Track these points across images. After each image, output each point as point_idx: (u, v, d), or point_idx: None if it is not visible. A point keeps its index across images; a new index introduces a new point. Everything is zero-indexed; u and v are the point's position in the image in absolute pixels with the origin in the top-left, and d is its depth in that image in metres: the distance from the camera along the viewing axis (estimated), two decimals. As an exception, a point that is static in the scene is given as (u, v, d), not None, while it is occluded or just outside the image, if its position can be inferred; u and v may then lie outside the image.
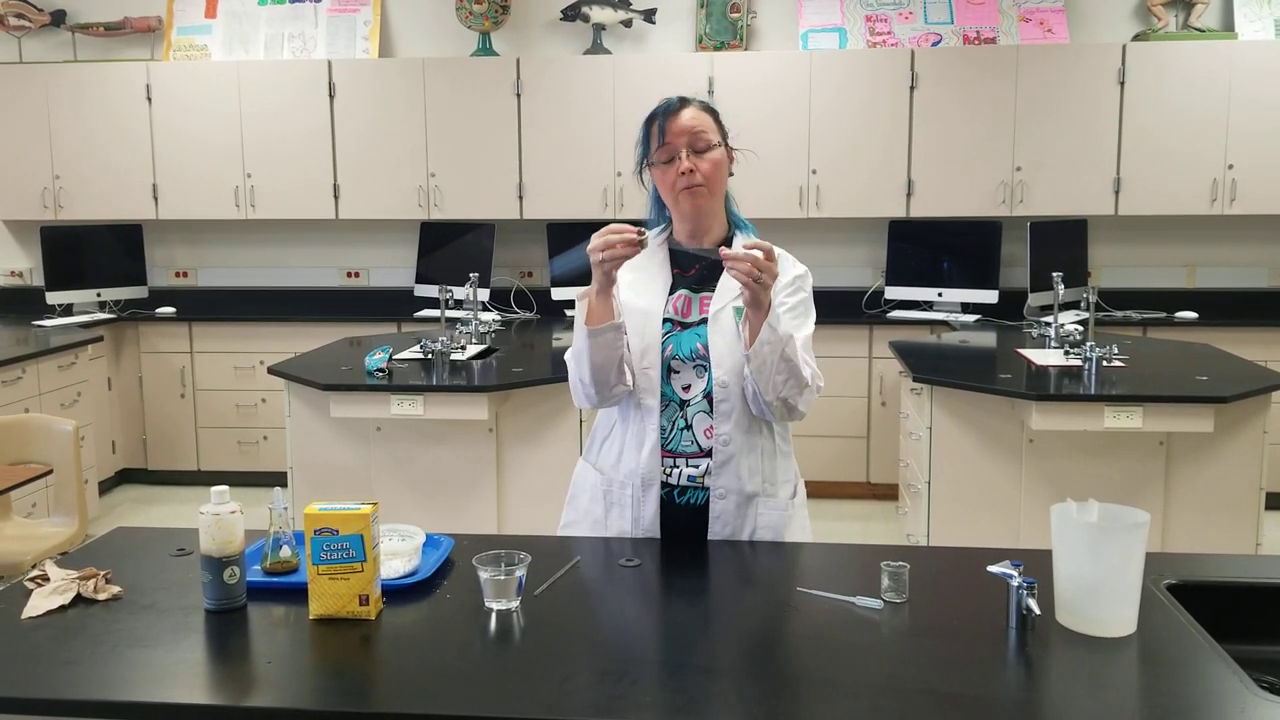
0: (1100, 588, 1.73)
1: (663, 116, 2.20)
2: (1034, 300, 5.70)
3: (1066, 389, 3.94)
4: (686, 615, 1.83)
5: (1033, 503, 4.05)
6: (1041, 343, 4.80)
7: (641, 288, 2.26)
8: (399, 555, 1.96)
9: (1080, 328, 4.92)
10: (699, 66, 5.85)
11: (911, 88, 5.73)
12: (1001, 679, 1.62)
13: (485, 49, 6.12)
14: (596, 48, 6.07)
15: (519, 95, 5.93)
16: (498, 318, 5.85)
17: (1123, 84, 5.61)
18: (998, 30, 5.83)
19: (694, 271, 2.27)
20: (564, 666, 1.63)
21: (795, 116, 5.81)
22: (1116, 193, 5.66)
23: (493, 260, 6.04)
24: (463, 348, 4.62)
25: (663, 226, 2.31)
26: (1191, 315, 5.64)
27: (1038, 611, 1.73)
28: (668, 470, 2.22)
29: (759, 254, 1.99)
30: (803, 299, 2.29)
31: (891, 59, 5.75)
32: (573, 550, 2.14)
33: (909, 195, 5.80)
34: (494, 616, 1.82)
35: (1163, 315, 5.67)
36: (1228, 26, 5.81)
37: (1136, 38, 5.83)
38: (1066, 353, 4.42)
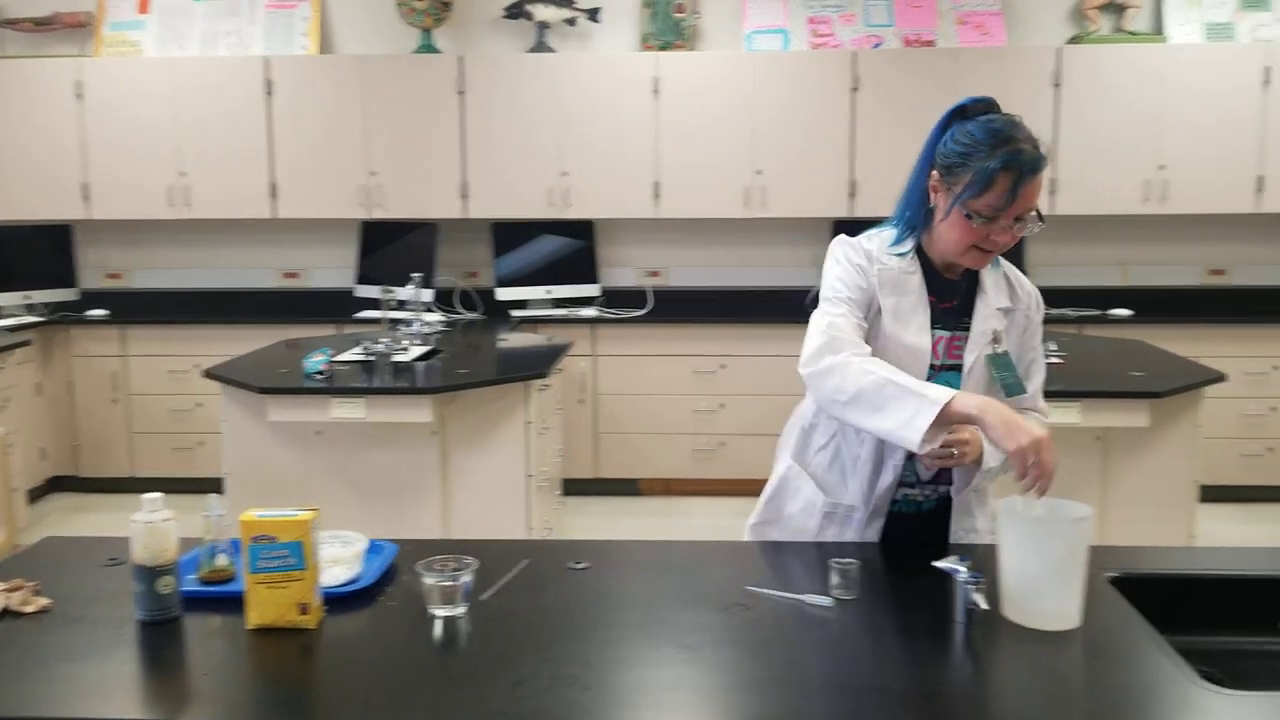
0: (1045, 582, 1.75)
1: (1025, 179, 1.89)
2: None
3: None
4: (638, 616, 1.81)
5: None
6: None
7: (905, 317, 2.06)
8: (340, 562, 1.92)
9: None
10: (644, 66, 5.84)
11: (854, 89, 5.76)
12: (949, 675, 1.63)
13: (427, 46, 6.06)
14: (540, 46, 6.03)
15: (462, 93, 5.88)
16: (442, 319, 5.79)
17: (1058, 86, 5.70)
18: (936, 33, 5.89)
19: (952, 304, 2.10)
20: (514, 672, 1.60)
21: (740, 117, 5.82)
22: (1052, 193, 5.75)
23: (436, 260, 5.98)
24: (406, 349, 4.57)
25: (912, 240, 2.09)
26: (1126, 312, 5.73)
27: (984, 606, 1.74)
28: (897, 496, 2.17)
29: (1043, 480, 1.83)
30: (1039, 339, 2.18)
31: (834, 60, 5.78)
32: (520, 554, 2.11)
33: (852, 196, 5.84)
34: (439, 623, 1.79)
35: (1098, 313, 5.77)
36: (1158, 30, 5.93)
37: (1071, 41, 5.92)
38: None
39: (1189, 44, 5.76)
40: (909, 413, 1.85)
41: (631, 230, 6.27)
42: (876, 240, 2.12)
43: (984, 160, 1.90)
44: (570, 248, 6.12)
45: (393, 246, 6.09)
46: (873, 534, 2.17)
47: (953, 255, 2.02)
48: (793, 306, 6.03)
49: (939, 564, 1.80)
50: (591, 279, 6.16)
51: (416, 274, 4.98)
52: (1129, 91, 5.68)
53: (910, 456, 2.09)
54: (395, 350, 4.48)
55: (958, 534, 2.19)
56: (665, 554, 2.14)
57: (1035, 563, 1.75)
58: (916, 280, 2.06)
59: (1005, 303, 2.10)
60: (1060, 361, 4.28)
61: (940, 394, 1.86)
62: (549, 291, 6.09)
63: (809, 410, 2.26)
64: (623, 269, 6.30)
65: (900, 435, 1.87)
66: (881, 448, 2.11)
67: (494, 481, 4.23)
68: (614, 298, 6.18)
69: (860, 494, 2.15)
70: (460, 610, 1.81)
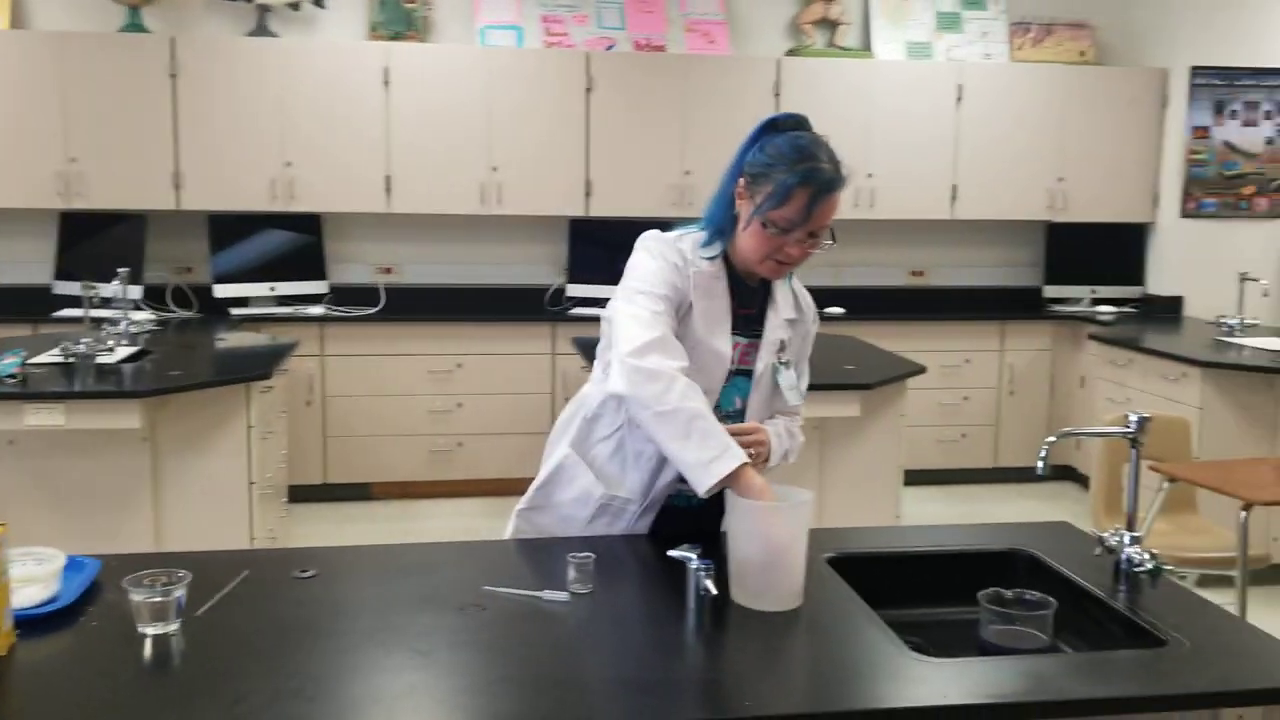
0: (770, 564, 1.82)
1: (822, 196, 1.95)
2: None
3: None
4: (368, 623, 1.75)
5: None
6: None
7: (713, 322, 2.08)
8: (34, 581, 1.75)
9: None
10: (374, 56, 5.68)
11: (588, 89, 5.84)
12: (681, 661, 1.67)
13: (135, 25, 5.64)
14: (261, 30, 5.75)
15: (174, 76, 5.51)
16: (152, 317, 5.40)
17: (778, 95, 5.99)
18: (666, 38, 6.06)
19: (750, 312, 2.14)
20: (233, 689, 1.51)
21: (476, 112, 5.77)
22: (774, 196, 6.04)
23: (145, 254, 5.57)
24: (111, 350, 4.23)
25: (720, 245, 2.10)
26: (839, 311, 6.11)
27: (714, 592, 1.79)
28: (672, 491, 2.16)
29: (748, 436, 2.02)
30: (810, 349, 2.29)
31: (569, 60, 5.84)
32: (240, 564, 1.99)
33: (588, 195, 5.91)
34: (149, 642, 1.66)
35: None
36: (866, 46, 6.35)
37: (789, 53, 6.25)
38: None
39: (893, 61, 6.20)
40: (711, 456, 1.88)
41: (362, 225, 6.09)
42: (688, 241, 2.13)
43: (785, 174, 1.95)
44: (296, 243, 5.87)
45: (96, 239, 5.62)
46: (643, 527, 2.19)
47: (751, 264, 2.07)
48: (530, 305, 6.05)
49: (673, 553, 1.84)
50: (319, 275, 5.93)
51: (123, 269, 4.63)
52: (840, 103, 6.04)
53: None
54: (99, 351, 4.15)
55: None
56: (397, 557, 2.09)
57: (760, 547, 1.82)
58: (723, 285, 2.10)
59: (791, 314, 2.19)
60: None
61: (741, 454, 1.90)
62: (272, 289, 5.81)
63: (593, 399, 2.21)
64: (353, 265, 6.10)
65: (694, 473, 1.90)
66: None
67: (212, 490, 3.99)
68: (344, 295, 5.97)
69: (639, 488, 2.16)
70: (173, 627, 1.69)
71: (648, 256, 2.10)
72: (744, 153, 2.06)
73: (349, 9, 5.95)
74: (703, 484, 1.89)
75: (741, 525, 1.84)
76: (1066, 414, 6.20)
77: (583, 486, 2.21)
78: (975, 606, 1.87)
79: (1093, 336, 5.59)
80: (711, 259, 2.10)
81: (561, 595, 1.86)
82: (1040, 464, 2.01)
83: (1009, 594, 1.85)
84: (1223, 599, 4.15)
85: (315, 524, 5.35)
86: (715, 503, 2.21)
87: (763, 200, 1.97)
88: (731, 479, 1.88)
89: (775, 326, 2.16)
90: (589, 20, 6.01)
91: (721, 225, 2.10)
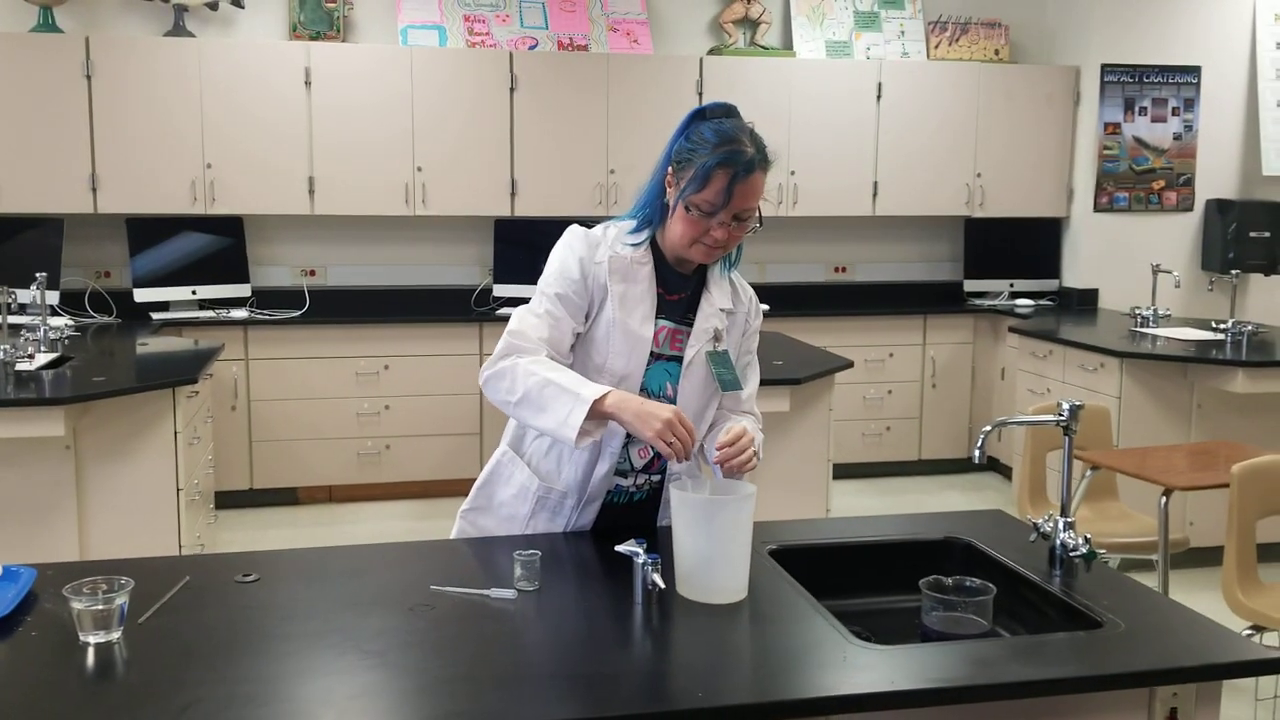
0: (714, 558, 1.85)
1: (740, 178, 1.97)
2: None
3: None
4: (315, 626, 1.74)
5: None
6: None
7: (631, 305, 2.10)
8: (-32, 593, 1.71)
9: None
10: (294, 56, 5.60)
11: (511, 89, 5.82)
12: (629, 655, 1.69)
13: (47, 24, 5.48)
14: (179, 30, 5.62)
15: (89, 77, 5.37)
16: (70, 323, 5.26)
17: (701, 94, 6.04)
18: (589, 38, 6.07)
19: (678, 299, 2.15)
20: (181, 696, 1.49)
21: (398, 113, 5.72)
22: (700, 195, 6.08)
23: (62, 259, 5.42)
24: (30, 356, 4.11)
25: (648, 233, 2.12)
26: (765, 307, 6.15)
27: (661, 585, 1.81)
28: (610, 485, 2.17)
29: (740, 449, 1.99)
30: (756, 344, 2.30)
31: (492, 60, 5.81)
32: (180, 571, 1.96)
33: (513, 195, 5.90)
34: (92, 651, 1.63)
35: (743, 308, 6.17)
36: (787, 45, 6.43)
37: (711, 52, 6.30)
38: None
39: (813, 60, 6.29)
40: (565, 410, 1.94)
41: (285, 227, 5.99)
42: (614, 229, 2.16)
43: (705, 157, 1.98)
44: (217, 245, 5.76)
45: (11, 243, 5.45)
46: (585, 523, 2.20)
47: (680, 249, 2.08)
48: (458, 306, 6.02)
49: (620, 548, 1.86)
50: (242, 278, 5.83)
51: (40, 274, 4.50)
52: (762, 101, 6.10)
53: (625, 445, 2.15)
54: (18, 358, 4.04)
55: (666, 520, 2.26)
56: (342, 560, 2.07)
57: (704, 541, 1.85)
58: (647, 271, 2.11)
59: (727, 304, 2.19)
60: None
61: (591, 391, 1.95)
62: (194, 292, 5.69)
63: None
64: (277, 268, 6.01)
65: (560, 433, 1.96)
66: (604, 444, 2.14)
67: (139, 498, 3.91)
68: (267, 298, 5.88)
69: (574, 481, 2.17)
70: (115, 635, 1.66)
71: (556, 251, 2.16)
72: (673, 142, 2.09)
73: (268, 9, 5.86)
74: (569, 440, 1.94)
75: (685, 520, 1.87)
76: (988, 406, 6.35)
77: (520, 482, 2.22)
78: (916, 595, 1.92)
79: (1013, 329, 5.74)
80: (636, 245, 2.13)
81: (509, 593, 1.87)
82: (976, 452, 2.07)
83: (949, 581, 1.90)
84: (1145, 582, 4.31)
85: (242, 530, 5.26)
86: (655, 498, 2.24)
87: (685, 184, 2.01)
88: (596, 416, 1.93)
89: (709, 315, 2.17)
90: (511, 20, 6.00)
91: (650, 213, 2.13)
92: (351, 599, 1.86)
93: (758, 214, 2.06)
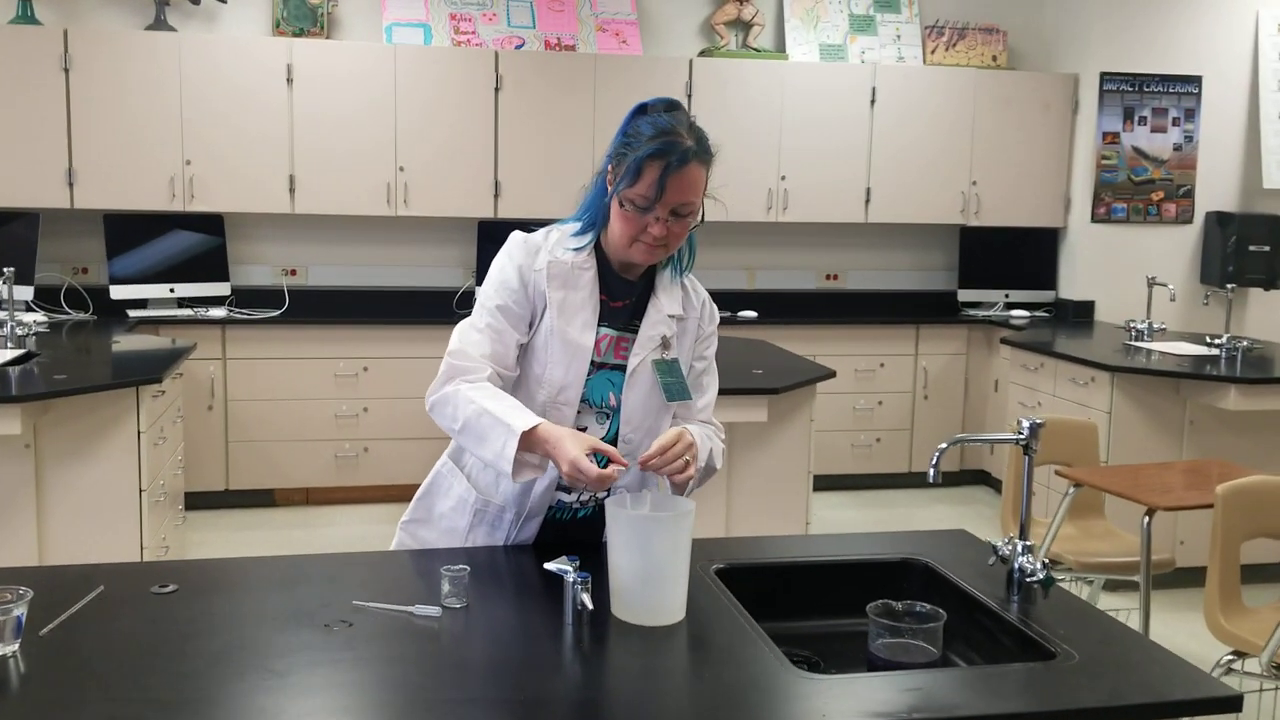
0: (650, 578, 1.75)
1: (672, 169, 1.88)
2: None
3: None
4: (223, 642, 1.65)
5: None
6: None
7: (571, 313, 2.01)
8: None
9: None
10: (276, 52, 5.52)
11: (497, 89, 5.74)
12: (556, 679, 1.60)
13: (26, 16, 5.41)
14: (160, 24, 5.55)
15: (67, 70, 5.29)
16: (43, 319, 5.19)
17: (690, 96, 5.95)
18: (577, 38, 5.99)
19: (622, 305, 2.06)
20: (69, 716, 1.40)
21: (382, 111, 5.63)
22: (690, 199, 5.99)
23: (38, 254, 5.34)
24: (-9, 353, 4.03)
25: (591, 236, 2.04)
26: (752, 314, 6.09)
27: (590, 606, 1.72)
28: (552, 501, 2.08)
29: (672, 448, 1.88)
30: (714, 350, 2.19)
31: (478, 59, 5.73)
32: (97, 579, 1.87)
33: (497, 196, 5.81)
34: (-19, 666, 1.54)
35: (727, 314, 6.08)
36: (780, 48, 6.34)
37: (702, 54, 6.21)
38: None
39: (806, 63, 6.20)
40: (500, 442, 1.88)
41: (266, 226, 5.92)
42: (556, 234, 2.08)
43: (638, 151, 1.91)
44: (197, 243, 5.68)
45: (-16, 237, 5.38)
46: (526, 537, 2.11)
47: (620, 250, 2.00)
48: (439, 307, 5.93)
49: (549, 565, 1.77)
50: (221, 277, 5.75)
51: (8, 269, 4.42)
52: (754, 105, 6.02)
53: None
54: (-22, 354, 3.95)
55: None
56: (266, 571, 1.98)
57: (640, 559, 1.75)
58: (589, 277, 2.03)
59: (677, 310, 2.09)
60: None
61: (522, 422, 1.87)
62: (172, 290, 5.61)
63: None
64: (257, 267, 5.93)
65: (498, 466, 1.90)
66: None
67: (100, 498, 3.82)
68: (247, 297, 5.80)
69: (512, 495, 2.08)
70: (11, 649, 1.58)
71: (496, 260, 2.08)
72: (615, 139, 2.01)
73: (251, 4, 5.78)
74: (506, 473, 1.89)
75: (620, 537, 1.77)
76: (980, 418, 6.25)
77: (458, 494, 2.14)
78: (867, 619, 1.82)
79: (1005, 341, 5.63)
80: (578, 250, 2.04)
81: (434, 610, 1.77)
82: (931, 471, 1.97)
83: (899, 606, 1.80)
84: (1128, 603, 4.20)
85: (214, 531, 5.18)
86: (599, 514, 2.14)
87: (619, 179, 1.93)
88: (531, 447, 1.87)
89: (655, 322, 2.08)
90: (498, 19, 5.91)
91: (594, 216, 2.05)
92: (268, 613, 1.76)
93: (699, 210, 1.96)
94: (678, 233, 1.96)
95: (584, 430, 2.02)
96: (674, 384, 2.05)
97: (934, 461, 1.96)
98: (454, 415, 1.95)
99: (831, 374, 4.40)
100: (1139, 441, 4.74)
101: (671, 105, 1.99)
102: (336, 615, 1.76)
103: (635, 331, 2.07)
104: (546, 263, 2.03)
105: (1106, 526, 4.06)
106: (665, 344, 2.08)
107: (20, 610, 1.59)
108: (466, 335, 2.04)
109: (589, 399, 2.04)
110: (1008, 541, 2.00)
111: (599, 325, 2.04)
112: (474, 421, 1.92)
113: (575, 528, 2.13)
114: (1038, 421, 1.99)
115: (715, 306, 2.22)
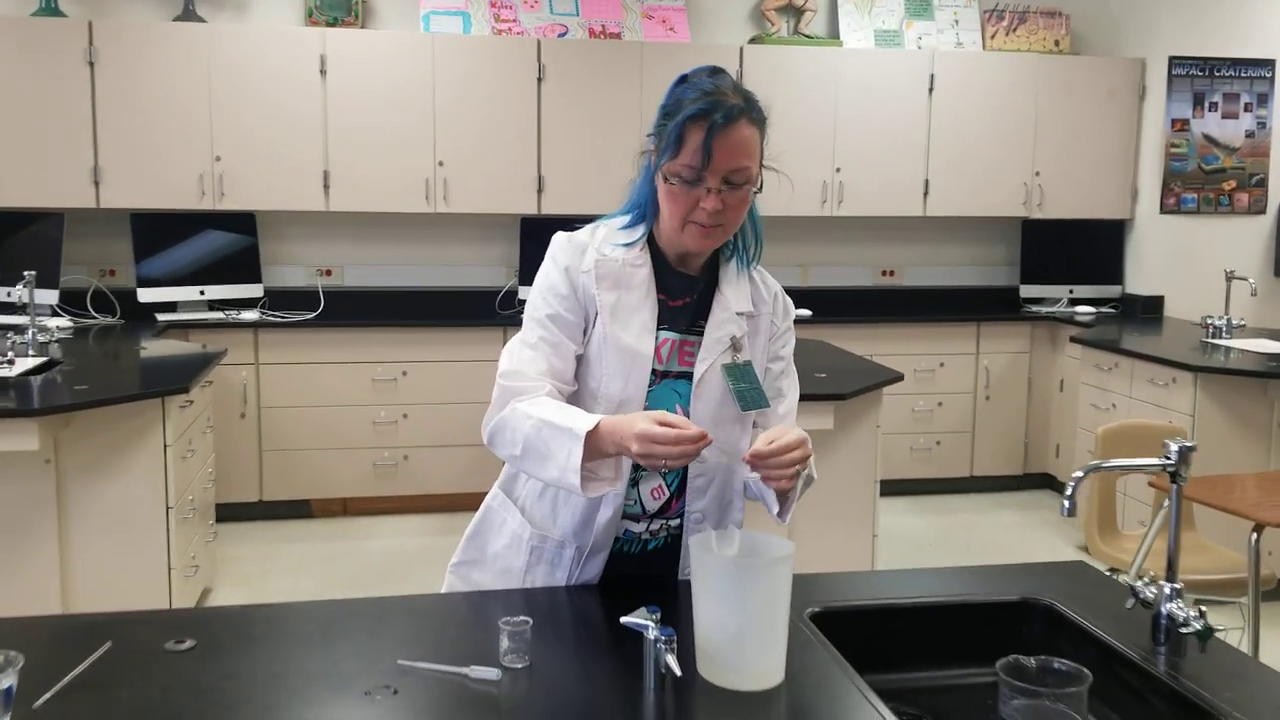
0: (745, 635, 1.50)
1: (718, 128, 1.65)
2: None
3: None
4: (246, 714, 1.41)
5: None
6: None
7: (626, 316, 1.78)
8: None
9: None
10: (310, 42, 5.30)
11: (539, 79, 5.49)
12: (638, 761, 1.34)
13: (50, 9, 5.23)
14: (188, 14, 5.35)
15: (92, 64, 5.10)
16: (68, 324, 5.00)
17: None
18: (622, 25, 5.73)
19: (683, 304, 1.83)
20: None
21: (419, 103, 5.40)
22: (738, 193, 5.72)
23: (63, 256, 5.15)
24: (11, 362, 3.83)
25: (643, 229, 1.82)
26: (806, 313, 5.81)
27: (677, 672, 1.46)
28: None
29: (791, 452, 1.63)
30: (792, 349, 1.96)
31: (519, 48, 5.49)
32: (104, 633, 1.63)
33: (540, 192, 5.56)
34: (-37, 748, 1.31)
35: (782, 313, 5.80)
36: (834, 35, 6.05)
37: (753, 41, 5.93)
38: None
39: (861, 49, 5.90)
40: (564, 454, 1.64)
41: (300, 224, 5.70)
42: (604, 230, 1.85)
43: (679, 116, 1.68)
44: (228, 243, 5.47)
45: (9, 240, 5.20)
46: (591, 574, 1.86)
47: (674, 236, 1.78)
48: (480, 308, 5.70)
49: (627, 620, 1.51)
50: (254, 278, 5.54)
51: (29, 272, 4.22)
52: (807, 94, 5.74)
53: (634, 484, 1.82)
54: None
55: (688, 572, 1.90)
56: (299, 621, 1.74)
57: (732, 613, 1.49)
58: (644, 274, 1.80)
59: (746, 306, 1.85)
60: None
61: (584, 424, 1.64)
62: (203, 292, 5.41)
63: None
64: (290, 267, 5.72)
65: (565, 481, 1.66)
66: None
67: (125, 516, 3.61)
68: (280, 299, 5.59)
69: (571, 528, 1.83)
70: (0, 726, 1.34)
71: (543, 266, 1.85)
72: (656, 116, 1.78)
73: (284, -7, 5.57)
74: (574, 487, 1.64)
75: (708, 585, 1.51)
76: (1045, 420, 5.94)
77: (512, 530, 1.90)
78: (988, 667, 1.55)
79: (1075, 339, 5.31)
80: (629, 245, 1.81)
81: (492, 672, 1.52)
82: (1067, 503, 1.70)
83: (1032, 664, 1.53)
84: (1222, 619, 3.90)
85: (248, 545, 4.97)
86: (674, 545, 1.89)
87: (662, 153, 1.71)
88: (600, 450, 1.63)
89: (722, 321, 1.83)
90: (540, 6, 5.66)
91: (644, 206, 1.81)
92: (298, 676, 1.52)
93: (756, 178, 1.72)
94: (734, 206, 1.72)
95: None
96: (748, 390, 1.79)
97: (1069, 494, 1.69)
98: (513, 440, 1.72)
99: (899, 377, 4.12)
100: (1224, 446, 4.43)
101: (715, 70, 1.75)
102: (379, 679, 1.51)
103: (700, 334, 1.82)
104: (594, 262, 1.79)
105: (1198, 539, 3.77)
106: (736, 345, 1.82)
107: (9, 680, 1.36)
108: (518, 354, 1.79)
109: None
110: (1149, 582, 1.72)
111: (659, 329, 1.80)
112: (534, 439, 1.68)
113: (643, 562, 1.88)
114: (1188, 445, 1.71)
115: (790, 300, 1.97)
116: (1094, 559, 3.45)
